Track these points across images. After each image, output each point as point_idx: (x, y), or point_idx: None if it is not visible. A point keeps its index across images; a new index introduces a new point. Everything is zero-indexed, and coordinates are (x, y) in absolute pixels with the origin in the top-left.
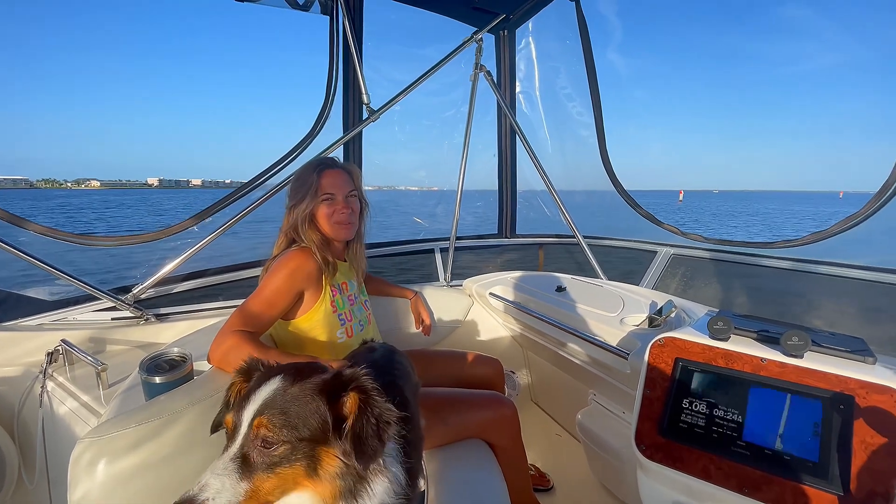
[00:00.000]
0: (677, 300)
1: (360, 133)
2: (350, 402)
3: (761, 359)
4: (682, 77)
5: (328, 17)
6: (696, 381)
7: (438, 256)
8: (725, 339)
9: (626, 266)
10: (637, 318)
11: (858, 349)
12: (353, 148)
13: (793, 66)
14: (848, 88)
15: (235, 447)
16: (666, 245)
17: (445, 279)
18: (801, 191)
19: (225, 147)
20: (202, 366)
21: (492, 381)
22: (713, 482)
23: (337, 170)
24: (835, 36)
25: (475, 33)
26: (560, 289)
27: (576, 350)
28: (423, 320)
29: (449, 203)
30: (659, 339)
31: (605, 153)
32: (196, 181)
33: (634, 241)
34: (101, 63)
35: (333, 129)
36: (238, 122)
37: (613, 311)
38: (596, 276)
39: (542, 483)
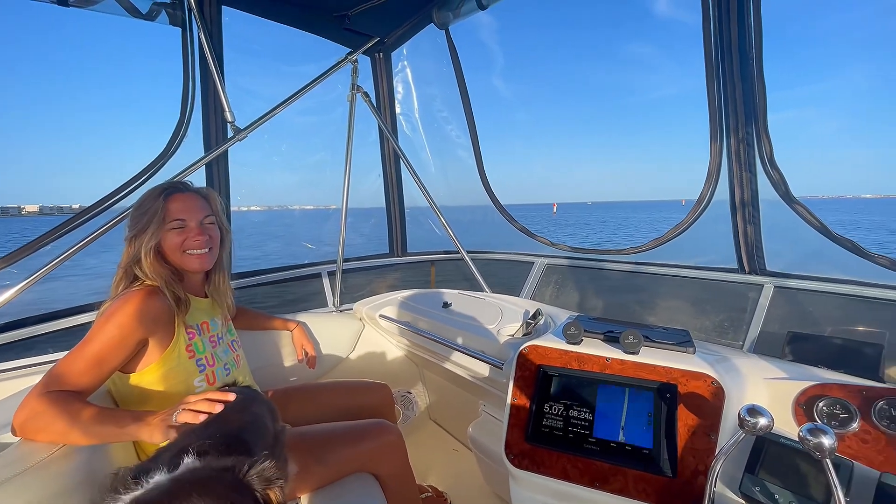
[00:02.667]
0: (546, 307)
1: (225, 153)
2: None
3: (606, 358)
4: (558, 101)
5: (179, 28)
6: (555, 386)
7: (326, 281)
8: (578, 343)
9: (512, 277)
10: (513, 328)
11: (682, 341)
12: (217, 169)
13: (645, 95)
14: (688, 112)
15: None
16: (541, 256)
17: (334, 304)
18: (661, 200)
19: (84, 167)
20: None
21: (380, 407)
22: (571, 481)
23: (188, 194)
24: (673, 71)
25: (349, 54)
26: (446, 305)
27: (462, 364)
28: (306, 352)
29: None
30: (524, 348)
31: (482, 173)
32: (31, 207)
33: (514, 253)
34: None
35: (196, 149)
36: (95, 138)
37: (493, 323)
38: (480, 289)
39: (439, 503)
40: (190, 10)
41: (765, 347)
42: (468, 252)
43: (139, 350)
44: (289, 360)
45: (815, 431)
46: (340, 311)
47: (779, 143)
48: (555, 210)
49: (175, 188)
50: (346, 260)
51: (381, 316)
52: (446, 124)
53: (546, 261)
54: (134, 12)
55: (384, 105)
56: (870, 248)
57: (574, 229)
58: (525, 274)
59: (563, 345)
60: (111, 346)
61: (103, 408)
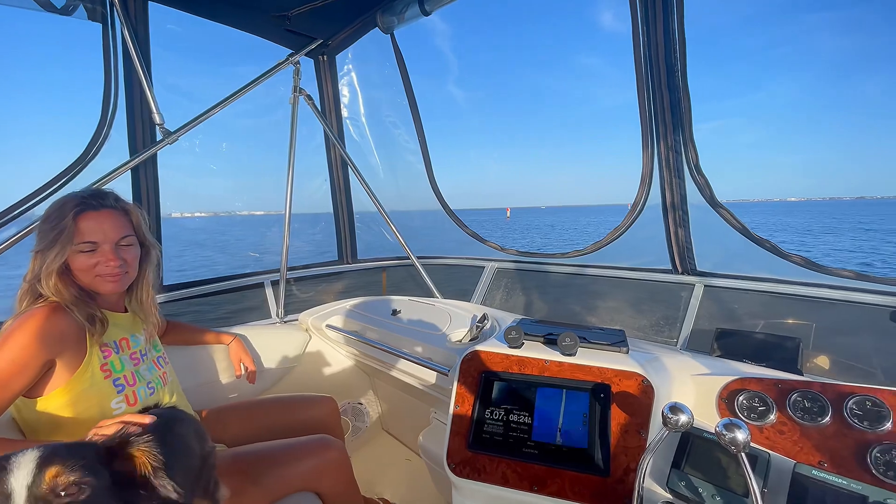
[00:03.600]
0: (494, 312)
1: (154, 158)
2: None
3: (545, 361)
4: (512, 108)
5: (100, 24)
6: (496, 391)
7: (269, 290)
8: (519, 347)
9: (464, 282)
10: (461, 333)
11: (617, 341)
12: (144, 174)
13: (595, 104)
14: (633, 121)
15: None
16: (491, 260)
17: (278, 315)
18: (610, 204)
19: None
20: None
21: (325, 421)
22: (510, 487)
23: (105, 211)
24: (619, 82)
25: (291, 55)
26: (395, 312)
27: (411, 372)
28: (245, 367)
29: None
30: (467, 354)
31: (432, 178)
32: None
33: (465, 258)
34: None
35: (122, 152)
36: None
37: (441, 329)
38: (431, 295)
39: None
40: (112, 5)
41: (697, 344)
42: (418, 258)
43: (45, 372)
44: (226, 377)
45: (730, 426)
46: (285, 323)
47: (711, 150)
48: (508, 215)
49: (88, 205)
50: (291, 268)
51: (327, 326)
52: (394, 128)
53: (496, 265)
54: (48, 7)
55: (329, 109)
56: (789, 248)
57: (525, 233)
58: (476, 278)
59: (504, 349)
60: (13, 369)
61: (2, 440)
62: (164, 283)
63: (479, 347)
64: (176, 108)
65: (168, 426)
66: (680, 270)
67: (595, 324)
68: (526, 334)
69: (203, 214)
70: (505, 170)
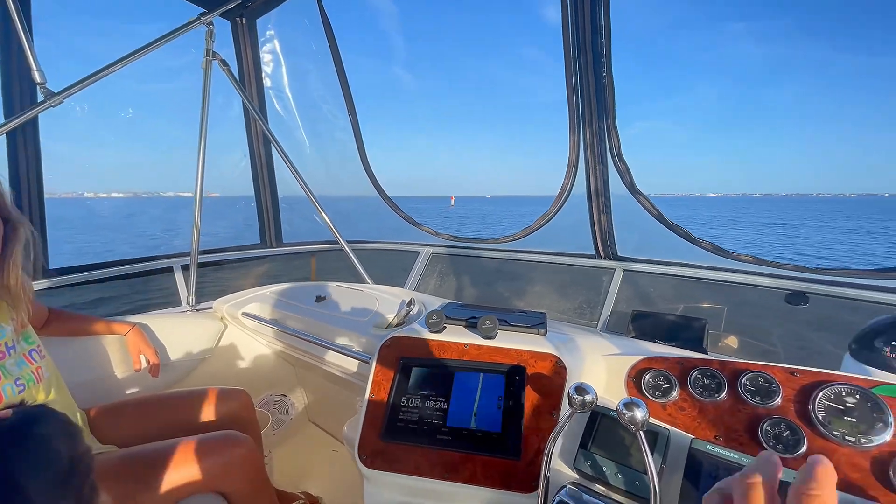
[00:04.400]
0: (424, 297)
1: (34, 122)
2: None
3: (465, 345)
4: (460, 96)
5: None
6: (414, 377)
7: (179, 276)
8: (440, 331)
9: (399, 267)
10: (387, 320)
11: (536, 323)
12: (23, 140)
13: (541, 97)
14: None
15: None
16: (426, 245)
17: (189, 302)
18: (553, 194)
19: None
20: None
21: (237, 416)
22: (422, 475)
23: None
24: (561, 75)
25: (203, 14)
26: (319, 299)
27: (334, 362)
28: (147, 360)
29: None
30: (386, 340)
31: (364, 157)
32: None
33: (399, 242)
34: None
35: None
36: None
37: (367, 315)
38: (362, 280)
39: None
40: None
41: (616, 325)
42: (349, 242)
43: None
44: (123, 371)
45: (629, 405)
46: (197, 311)
47: (640, 148)
48: (452, 203)
49: None
50: (206, 251)
51: (244, 314)
52: (323, 103)
53: (431, 250)
54: None
55: (249, 77)
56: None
57: (465, 221)
58: (412, 263)
59: (425, 334)
60: None
61: None
62: (49, 268)
63: (399, 333)
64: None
65: (22, 427)
66: (602, 255)
67: (522, 307)
68: (448, 318)
69: (120, 195)
70: (452, 158)
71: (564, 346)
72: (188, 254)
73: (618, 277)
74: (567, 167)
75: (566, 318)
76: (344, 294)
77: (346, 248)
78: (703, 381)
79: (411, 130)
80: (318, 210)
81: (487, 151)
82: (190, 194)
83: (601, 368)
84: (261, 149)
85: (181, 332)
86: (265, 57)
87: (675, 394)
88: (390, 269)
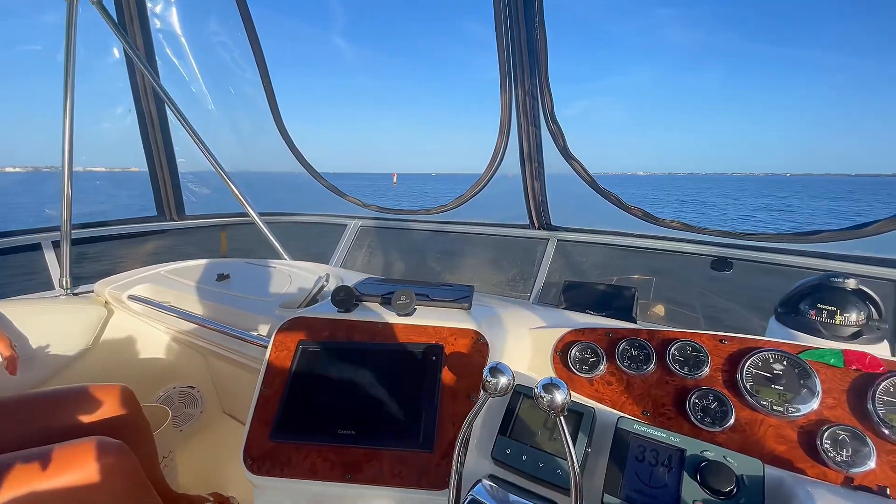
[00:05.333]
0: (343, 272)
1: None
2: None
3: (378, 324)
4: (404, 70)
5: None
6: (315, 363)
7: (49, 254)
8: (349, 310)
9: (327, 242)
10: (296, 300)
11: (461, 297)
12: None
13: (485, 73)
14: None
15: None
16: (354, 217)
17: (63, 285)
18: (503, 173)
19: None
20: None
21: (118, 416)
22: (319, 479)
23: None
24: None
25: None
26: (221, 277)
27: (238, 348)
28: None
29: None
30: (284, 323)
31: (279, 120)
32: None
33: (324, 215)
34: None
35: None
36: None
37: (275, 295)
38: (279, 257)
39: None
40: None
41: (549, 297)
42: (263, 214)
43: None
44: None
45: (549, 387)
46: (74, 295)
47: (578, 128)
48: (395, 180)
49: None
50: (83, 225)
51: (130, 297)
52: (226, 52)
53: (359, 223)
54: None
55: (131, 15)
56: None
57: (402, 197)
58: (339, 238)
59: (331, 313)
60: None
61: None
62: None
63: (301, 313)
64: None
65: None
66: (536, 225)
67: (452, 281)
68: (363, 295)
69: (17, 169)
70: (398, 135)
71: (488, 321)
72: (58, 228)
73: (551, 248)
74: (499, 128)
75: (499, 290)
76: (251, 272)
77: (257, 219)
78: (631, 353)
79: (352, 104)
80: (222, 176)
81: (434, 128)
82: (103, 169)
83: (526, 344)
84: (150, 105)
85: (51, 319)
86: None
87: (602, 367)
88: (318, 243)
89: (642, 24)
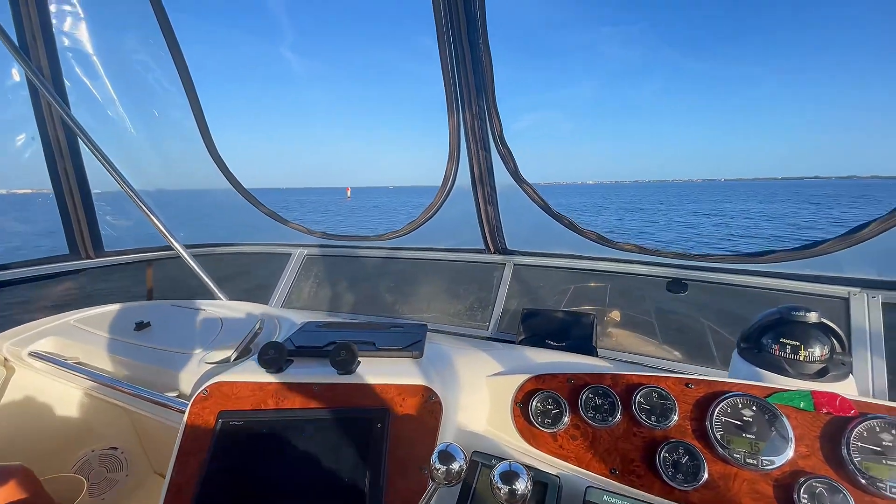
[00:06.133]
0: (281, 313)
1: None
2: None
3: (313, 386)
4: (359, 83)
5: None
6: (240, 440)
7: None
8: (279, 370)
9: (272, 273)
10: (226, 350)
11: (410, 343)
12: None
13: (436, 86)
14: None
15: None
16: (300, 246)
17: None
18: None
19: None
20: None
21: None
22: None
23: None
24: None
25: None
26: (141, 326)
27: (159, 410)
28: None
29: None
30: (201, 392)
31: (210, 144)
32: None
33: (266, 244)
34: None
35: None
36: None
37: (202, 346)
38: (212, 295)
39: None
40: None
41: (507, 326)
42: (193, 247)
43: None
44: None
45: (507, 476)
46: None
47: (530, 140)
48: (349, 194)
49: None
50: None
51: (32, 354)
52: (147, 71)
53: (305, 251)
54: None
55: (34, 37)
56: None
57: (351, 215)
58: (283, 268)
59: (259, 375)
60: None
61: None
62: None
63: (224, 377)
64: None
65: None
66: (492, 250)
67: (406, 313)
68: (299, 348)
69: None
70: (354, 146)
71: (441, 373)
72: None
73: (508, 273)
74: (448, 154)
75: (457, 321)
76: (177, 317)
77: (183, 254)
78: (596, 402)
79: (306, 119)
80: (140, 206)
81: (392, 141)
82: (30, 191)
83: (484, 395)
84: (58, 132)
85: None
86: (63, 7)
87: (565, 419)
88: (261, 276)
89: (586, 40)
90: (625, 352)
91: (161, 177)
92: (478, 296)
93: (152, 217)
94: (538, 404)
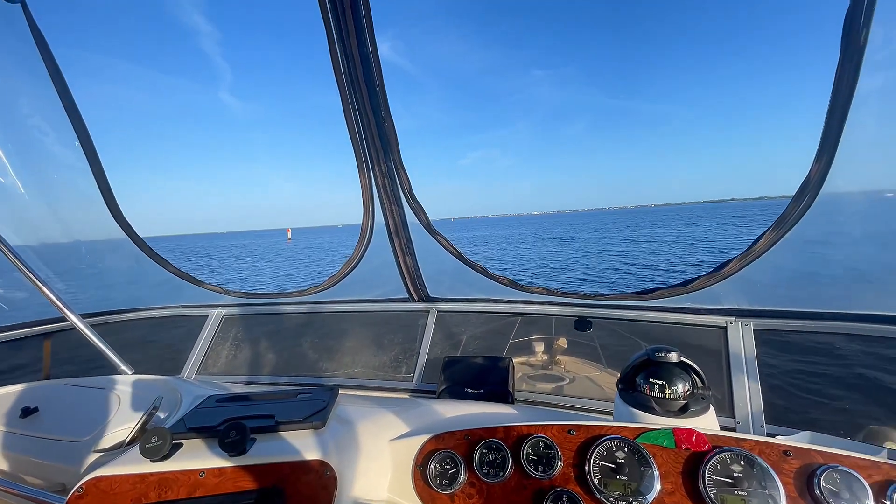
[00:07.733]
0: (188, 386)
1: None
2: None
3: (200, 472)
4: (299, 122)
5: None
6: None
7: None
8: (164, 458)
9: (185, 334)
10: (119, 435)
11: (314, 412)
12: None
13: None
14: (418, 145)
15: None
16: (217, 306)
17: None
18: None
19: None
20: None
21: None
22: None
23: None
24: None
25: None
26: (28, 412)
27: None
28: None
29: None
30: (78, 488)
31: (115, 207)
32: None
33: (180, 306)
34: None
35: None
36: None
37: (93, 431)
38: (114, 369)
39: None
40: None
41: (431, 375)
42: (94, 315)
43: None
44: None
45: None
46: None
47: (475, 175)
48: (289, 236)
49: None
50: None
51: None
52: (41, 133)
53: (223, 311)
54: None
55: None
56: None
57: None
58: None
59: (143, 466)
60: None
61: None
62: None
63: (101, 472)
64: None
65: None
66: (416, 298)
67: (330, 370)
68: (190, 430)
69: None
70: (296, 187)
71: (341, 442)
72: None
73: (432, 320)
74: (363, 208)
75: (381, 374)
76: (70, 399)
77: (79, 324)
78: (489, 458)
79: (247, 161)
80: (27, 275)
81: (332, 181)
82: None
83: (386, 461)
84: None
85: None
86: None
87: (462, 478)
88: (177, 339)
89: (520, 83)
90: (540, 393)
91: (62, 242)
92: (402, 346)
93: (40, 285)
94: (436, 466)
